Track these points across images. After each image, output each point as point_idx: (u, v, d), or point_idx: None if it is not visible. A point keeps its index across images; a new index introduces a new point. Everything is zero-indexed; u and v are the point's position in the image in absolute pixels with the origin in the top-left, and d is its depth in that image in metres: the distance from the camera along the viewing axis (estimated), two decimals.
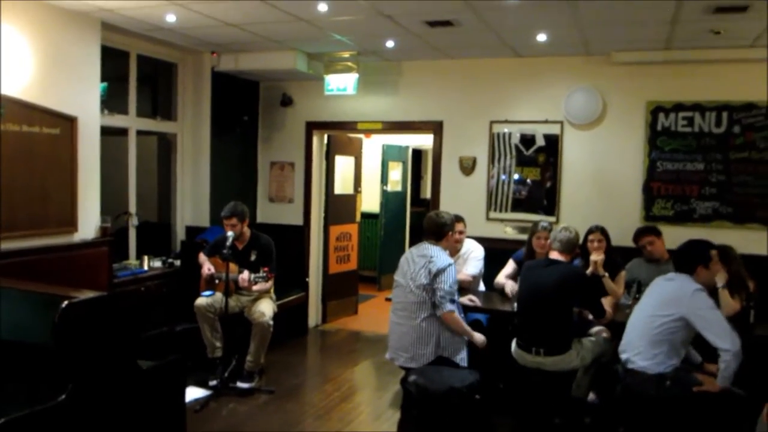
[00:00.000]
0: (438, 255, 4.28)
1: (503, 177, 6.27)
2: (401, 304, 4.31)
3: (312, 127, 7.04)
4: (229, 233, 5.08)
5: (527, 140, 6.17)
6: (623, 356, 3.79)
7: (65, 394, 3.19)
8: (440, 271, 4.18)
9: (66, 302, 3.23)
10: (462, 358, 4.21)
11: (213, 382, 5.05)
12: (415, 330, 4.18)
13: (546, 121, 6.09)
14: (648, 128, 5.80)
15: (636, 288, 4.81)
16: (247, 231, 5.34)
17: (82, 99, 4.92)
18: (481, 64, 6.28)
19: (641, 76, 5.80)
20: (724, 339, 3.50)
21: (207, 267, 5.24)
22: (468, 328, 4.29)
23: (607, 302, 4.35)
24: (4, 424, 2.91)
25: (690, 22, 4.66)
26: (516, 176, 6.23)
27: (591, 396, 4.40)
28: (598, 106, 5.90)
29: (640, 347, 3.70)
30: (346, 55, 6.17)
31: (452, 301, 4.19)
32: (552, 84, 6.07)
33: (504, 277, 5.13)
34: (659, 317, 3.66)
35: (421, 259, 4.28)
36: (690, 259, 3.78)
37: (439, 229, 4.38)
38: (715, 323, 3.55)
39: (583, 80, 5.95)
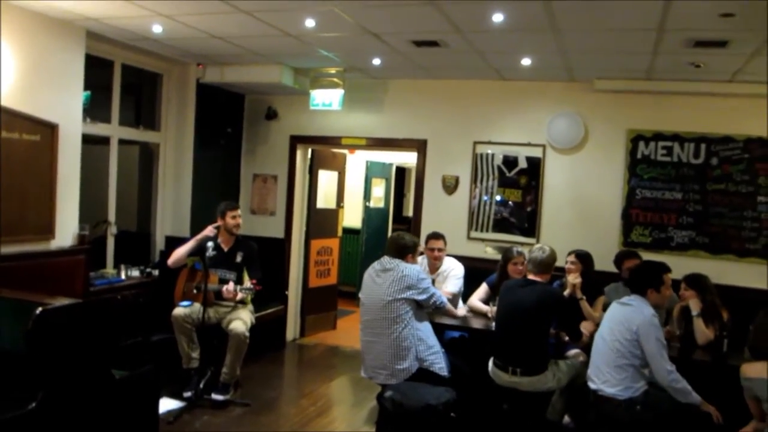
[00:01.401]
0: (407, 266, 4.34)
1: (485, 197, 6.32)
2: (372, 322, 4.29)
3: (296, 141, 7.06)
4: (209, 243, 5.08)
5: (510, 162, 6.23)
6: (592, 385, 3.82)
7: (36, 402, 3.16)
8: (419, 280, 4.26)
9: (40, 309, 3.22)
10: (441, 367, 4.23)
11: (187, 394, 4.99)
12: (391, 346, 4.17)
13: (528, 144, 6.16)
14: (628, 155, 5.89)
15: None
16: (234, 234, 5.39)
17: (64, 106, 4.90)
18: (466, 85, 6.35)
19: (622, 105, 5.90)
20: (657, 372, 3.59)
21: (210, 228, 5.24)
22: (451, 307, 4.65)
23: (585, 326, 4.38)
24: None
25: (671, 54, 4.75)
26: (498, 197, 6.28)
27: (566, 419, 4.42)
28: (580, 132, 5.98)
29: (606, 374, 3.74)
30: (333, 71, 6.22)
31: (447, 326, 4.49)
32: (535, 108, 6.15)
33: (477, 300, 5.15)
34: (619, 342, 3.71)
35: (387, 273, 4.30)
36: (642, 282, 3.85)
37: (400, 250, 4.43)
38: (656, 356, 3.61)
39: (565, 105, 6.04)
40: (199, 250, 5.12)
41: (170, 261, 5.27)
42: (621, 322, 3.76)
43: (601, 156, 5.99)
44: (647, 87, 5.71)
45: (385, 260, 4.40)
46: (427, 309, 4.37)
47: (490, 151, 6.30)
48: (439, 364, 4.22)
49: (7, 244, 4.45)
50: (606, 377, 3.74)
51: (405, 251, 4.44)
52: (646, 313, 3.68)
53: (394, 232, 9.80)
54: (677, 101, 5.75)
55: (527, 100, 6.19)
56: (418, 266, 4.50)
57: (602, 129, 5.98)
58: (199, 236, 5.25)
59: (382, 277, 4.30)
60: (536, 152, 6.15)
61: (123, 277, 5.66)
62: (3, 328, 3.34)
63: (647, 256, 5.38)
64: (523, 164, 6.21)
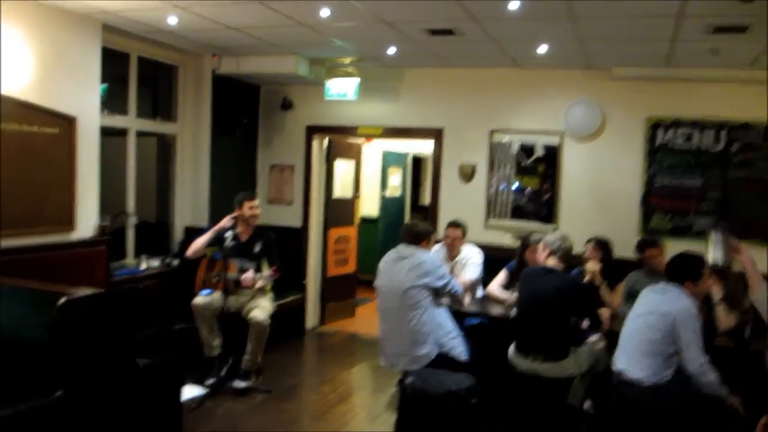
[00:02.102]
0: (423, 253, 4.36)
1: (502, 185, 6.30)
2: (391, 310, 4.31)
3: (312, 131, 7.07)
4: (228, 233, 5.11)
5: (527, 150, 6.21)
6: (617, 367, 3.81)
7: (61, 391, 3.20)
8: (434, 267, 4.28)
9: (63, 299, 3.26)
10: (461, 351, 4.25)
11: (210, 381, 5.06)
12: (410, 332, 4.19)
13: (546, 132, 6.13)
14: (647, 143, 5.84)
15: (635, 299, 4.83)
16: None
17: (81, 99, 4.94)
18: (482, 74, 6.32)
19: (641, 92, 5.84)
20: (690, 361, 3.55)
21: (227, 219, 5.29)
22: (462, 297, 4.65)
23: (604, 312, 4.37)
24: (1, 420, 2.93)
25: (690, 41, 4.70)
26: (515, 185, 6.26)
27: (587, 404, 4.41)
28: (598, 120, 5.94)
29: (634, 359, 3.72)
30: (348, 60, 6.21)
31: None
32: (552, 95, 6.11)
33: (496, 287, 5.15)
34: (650, 329, 3.68)
35: (405, 261, 4.32)
36: (682, 273, 3.80)
37: (415, 237, 4.47)
38: (692, 345, 3.58)
39: (583, 93, 5.99)
40: (218, 240, 5.17)
41: (189, 252, 5.32)
42: (655, 310, 3.72)
43: (619, 143, 5.95)
44: (666, 74, 5.65)
45: (401, 248, 4.42)
46: (443, 296, 4.37)
47: (507, 139, 6.27)
48: (459, 349, 4.25)
49: (28, 235, 4.51)
50: (633, 361, 3.71)
51: (420, 238, 4.47)
52: (685, 303, 3.64)
53: (409, 221, 9.87)
54: (696, 88, 5.68)
55: (544, 88, 6.15)
56: (434, 253, 4.52)
57: (620, 116, 5.93)
58: (216, 227, 5.30)
59: (399, 265, 4.32)
60: (554, 140, 6.12)
61: (143, 267, 5.72)
62: (26, 318, 3.39)
63: (667, 242, 5.35)
64: (540, 152, 6.18)
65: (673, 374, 3.66)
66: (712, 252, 2.68)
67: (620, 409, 3.78)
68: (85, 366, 3.39)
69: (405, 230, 4.56)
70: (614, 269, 4.86)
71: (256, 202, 5.37)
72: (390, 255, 4.48)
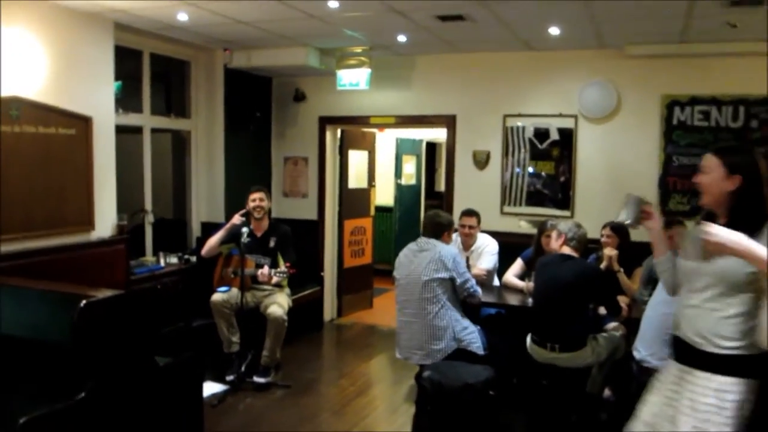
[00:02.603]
0: (443, 247, 4.33)
1: (517, 171, 6.26)
2: (409, 302, 4.30)
3: (325, 122, 7.06)
4: (244, 230, 5.14)
5: (541, 134, 6.15)
6: (638, 355, 3.78)
7: (84, 392, 3.24)
8: (455, 264, 4.23)
9: (84, 301, 3.29)
10: (478, 346, 4.23)
11: (230, 377, 5.10)
12: (428, 327, 4.18)
13: (560, 115, 6.07)
14: (663, 122, 5.76)
15: (653, 285, 4.79)
16: (266, 218, 5.43)
17: (96, 99, 4.97)
18: (494, 58, 6.26)
19: (656, 70, 5.75)
20: None
21: (237, 216, 5.27)
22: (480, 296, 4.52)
23: (622, 299, 4.34)
24: (26, 423, 2.97)
25: (705, 16, 4.61)
26: (530, 170, 6.22)
27: (606, 392, 4.39)
28: (613, 100, 5.87)
29: (655, 346, 3.68)
30: (358, 50, 6.17)
31: (483, 303, 4.46)
32: (566, 78, 6.04)
33: (512, 276, 5.13)
34: (670, 316, 3.63)
35: (425, 253, 4.29)
36: None
37: (436, 229, 4.44)
38: None
39: (597, 74, 5.92)
40: (234, 237, 5.18)
41: (203, 251, 5.36)
42: None
43: (635, 124, 5.87)
44: (681, 50, 5.55)
45: (422, 241, 4.40)
46: (460, 293, 4.34)
47: (520, 124, 6.22)
48: (476, 344, 4.23)
49: (50, 237, 4.56)
50: (653, 349, 3.68)
51: (441, 230, 4.44)
52: None
53: (429, 209, 9.83)
54: (713, 64, 5.58)
55: (557, 71, 6.08)
56: (455, 249, 4.48)
57: (635, 96, 5.86)
58: (227, 225, 5.31)
59: (419, 258, 4.30)
60: (568, 123, 6.06)
61: (162, 264, 5.76)
62: (50, 320, 3.43)
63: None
64: (554, 136, 6.12)
65: None
66: (624, 212, 2.64)
67: (641, 396, 3.75)
68: (108, 366, 3.43)
69: (427, 222, 4.53)
70: (632, 254, 4.82)
71: (258, 195, 5.35)
72: (410, 247, 4.47)
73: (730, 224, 2.31)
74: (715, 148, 2.56)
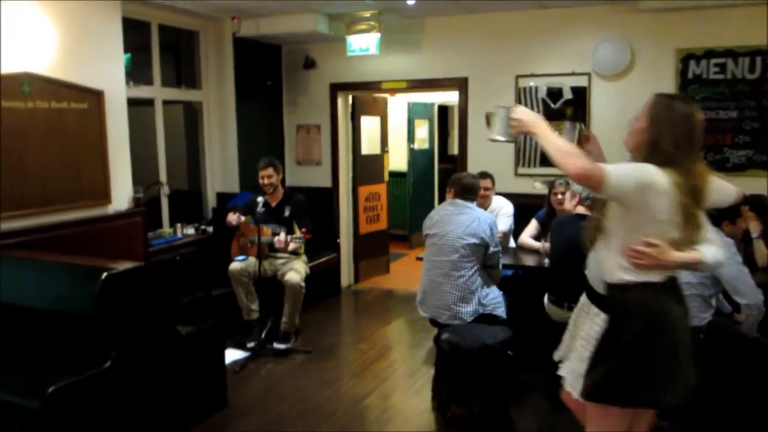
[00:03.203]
0: (482, 213, 4.25)
1: None
2: (441, 263, 4.19)
3: (336, 88, 7.03)
4: (259, 199, 5.16)
5: (554, 93, 6.09)
6: None
7: (109, 361, 3.32)
8: (492, 234, 4.17)
9: (106, 274, 3.34)
10: (503, 310, 4.23)
11: (251, 344, 5.18)
12: (458, 288, 4.12)
13: (573, 74, 5.99)
14: (678, 77, 5.68)
15: None
16: (280, 188, 5.45)
17: (107, 73, 4.96)
18: (505, 18, 6.17)
19: (670, 23, 5.64)
20: (745, 294, 3.50)
21: (234, 217, 5.26)
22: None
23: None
24: (54, 391, 3.05)
25: None
26: None
27: None
28: (627, 56, 5.78)
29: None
30: (367, 14, 6.10)
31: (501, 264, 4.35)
32: (578, 35, 5.95)
33: (528, 237, 5.13)
34: (688, 273, 3.63)
35: (463, 216, 4.18)
36: (718, 213, 3.72)
37: (469, 190, 4.31)
38: (739, 279, 3.52)
39: (610, 30, 5.82)
40: (250, 208, 5.21)
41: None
42: None
43: (649, 79, 5.78)
44: (696, 3, 5.42)
45: (459, 203, 4.26)
46: (489, 262, 4.25)
47: (533, 84, 6.15)
48: (501, 308, 4.21)
49: (67, 211, 4.61)
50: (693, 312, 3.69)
51: (473, 191, 4.35)
52: (724, 243, 3.58)
53: (443, 173, 9.84)
54: (729, 15, 5.45)
55: (569, 28, 5.98)
56: (492, 216, 4.41)
57: (650, 51, 5.76)
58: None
59: (457, 220, 4.18)
60: (581, 81, 5.98)
61: (179, 235, 5.82)
62: (73, 293, 3.50)
63: None
64: (568, 95, 6.05)
65: (711, 316, 3.64)
66: (498, 127, 2.59)
67: None
68: (131, 336, 3.50)
69: (457, 183, 4.35)
70: None
71: (268, 171, 5.30)
72: (447, 207, 4.31)
73: None
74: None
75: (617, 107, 5.91)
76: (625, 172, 2.27)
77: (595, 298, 2.60)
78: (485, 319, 4.13)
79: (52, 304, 3.55)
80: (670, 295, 2.40)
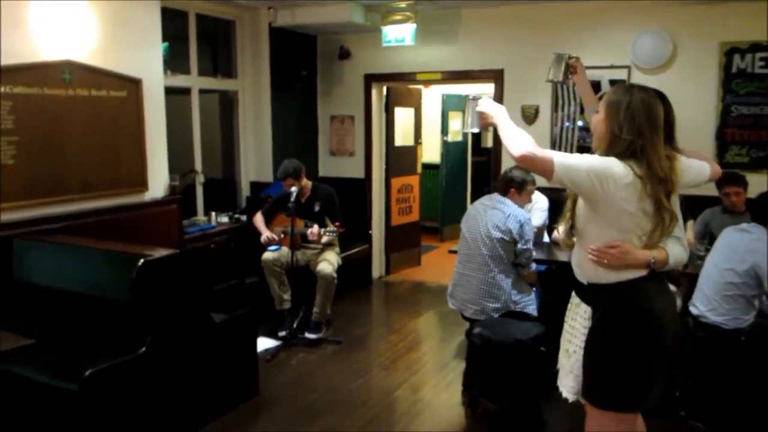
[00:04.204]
0: (515, 209, 4.16)
1: (567, 125, 6.12)
2: (471, 256, 4.17)
3: (371, 79, 7.01)
4: (293, 188, 5.17)
5: (592, 86, 5.96)
6: (695, 310, 3.71)
7: (145, 347, 3.37)
8: (522, 230, 4.08)
9: (142, 260, 3.39)
10: (533, 308, 4.17)
11: (282, 333, 5.22)
12: (487, 284, 4.08)
13: (612, 67, 5.88)
14: (722, 71, 5.53)
15: (709, 239, 4.67)
16: (307, 183, 5.44)
17: (145, 61, 5.01)
18: (543, 9, 6.08)
19: (714, 15, 5.50)
20: None
21: (265, 236, 5.30)
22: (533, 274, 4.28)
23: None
24: (91, 375, 3.11)
25: None
26: (580, 123, 6.07)
27: None
28: (668, 49, 5.65)
29: (713, 302, 3.61)
30: (403, 5, 6.07)
31: (534, 261, 4.20)
32: (618, 27, 5.84)
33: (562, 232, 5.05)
34: (733, 271, 3.55)
35: (495, 211, 4.14)
36: (766, 212, 3.62)
37: (504, 185, 4.27)
38: None
39: (651, 21, 5.69)
40: (281, 203, 5.24)
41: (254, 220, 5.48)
42: (738, 250, 3.57)
43: (691, 73, 5.65)
44: None
45: (495, 197, 4.24)
46: (518, 260, 4.17)
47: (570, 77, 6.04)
48: (531, 306, 4.15)
49: (105, 197, 4.68)
50: (713, 305, 3.61)
51: (508, 186, 4.27)
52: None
53: (476, 166, 9.77)
54: None
55: (609, 19, 5.87)
56: (526, 214, 4.30)
57: (692, 44, 5.62)
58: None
59: (489, 214, 4.14)
60: (620, 74, 5.87)
61: (213, 223, 5.88)
62: (111, 278, 3.55)
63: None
64: (606, 88, 5.93)
65: (754, 317, 3.55)
66: (469, 119, 2.62)
67: (697, 353, 3.70)
68: (166, 322, 3.54)
69: (500, 178, 4.38)
70: (685, 207, 4.68)
71: (287, 182, 5.24)
72: (482, 201, 4.30)
73: None
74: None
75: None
76: (577, 160, 2.26)
77: (580, 292, 2.60)
78: (514, 316, 4.08)
79: (90, 289, 3.61)
80: (650, 289, 2.34)
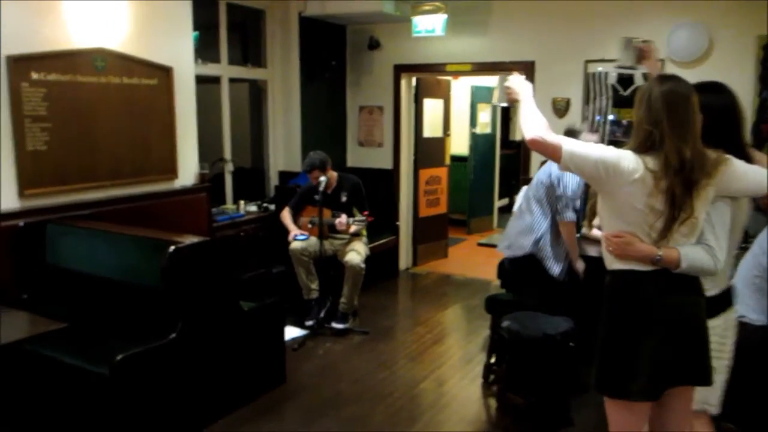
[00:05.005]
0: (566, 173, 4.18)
1: (598, 118, 6.03)
2: (522, 205, 4.39)
3: (400, 70, 6.98)
4: (322, 178, 5.16)
5: (625, 80, 5.87)
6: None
7: (175, 333, 3.39)
8: (562, 178, 4.14)
9: (173, 247, 3.41)
10: (551, 267, 4.16)
11: (309, 323, 5.24)
12: (524, 222, 4.23)
13: None
14: (759, 65, 5.40)
15: (743, 238, 4.55)
16: (333, 174, 5.42)
17: (176, 50, 5.04)
18: (575, 1, 5.98)
19: (752, 8, 5.35)
20: None
21: (293, 234, 5.31)
22: (576, 249, 4.25)
23: None
24: (122, 360, 3.14)
25: None
26: (611, 117, 5.98)
27: None
28: (704, 42, 5.53)
29: (743, 296, 3.52)
30: None
31: (574, 210, 4.20)
32: (652, 19, 5.72)
33: (594, 228, 5.00)
34: (759, 266, 3.46)
35: (546, 165, 4.28)
36: None
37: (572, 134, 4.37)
38: None
39: (686, 14, 5.57)
40: (309, 196, 5.24)
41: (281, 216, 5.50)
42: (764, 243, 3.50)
43: (727, 67, 5.52)
44: None
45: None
46: (557, 204, 4.19)
47: (602, 69, 5.96)
48: (551, 261, 4.16)
49: (136, 184, 4.72)
50: (742, 299, 3.53)
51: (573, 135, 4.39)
52: None
53: (504, 159, 9.70)
54: None
55: (643, 11, 5.75)
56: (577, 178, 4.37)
57: (729, 37, 5.49)
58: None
59: (542, 168, 4.32)
60: None
61: (242, 212, 5.91)
62: (141, 264, 3.59)
63: None
64: (639, 81, 5.80)
65: None
66: (498, 93, 2.72)
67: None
68: (196, 309, 3.57)
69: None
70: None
71: (313, 174, 5.21)
72: None
73: None
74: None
75: None
76: (587, 149, 2.30)
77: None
78: (534, 264, 4.13)
79: (121, 274, 3.65)
80: (649, 283, 2.31)
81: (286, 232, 5.39)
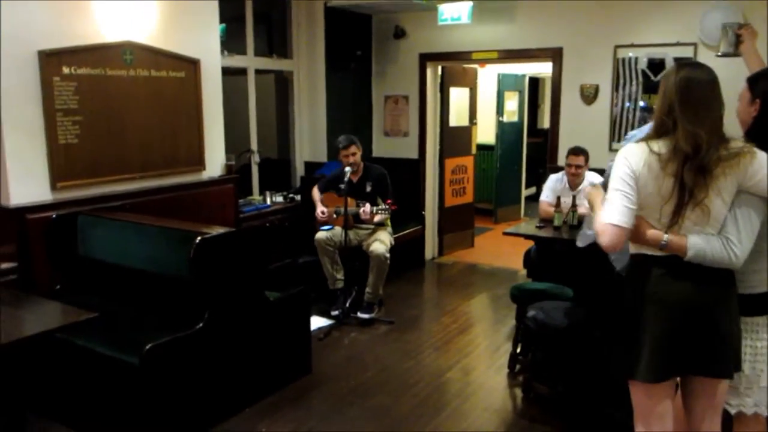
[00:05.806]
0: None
1: (628, 105, 5.94)
2: None
3: (425, 59, 6.94)
4: (347, 168, 5.16)
5: (655, 65, 5.77)
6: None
7: (202, 323, 3.44)
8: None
9: (200, 238, 3.45)
10: (618, 261, 4.11)
11: (335, 312, 5.27)
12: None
13: (677, 44, 5.66)
14: None
15: None
16: (360, 164, 5.43)
17: (203, 42, 5.08)
18: None
19: None
20: None
21: (320, 210, 5.36)
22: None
23: None
24: (151, 349, 3.20)
25: None
26: (642, 104, 5.88)
27: None
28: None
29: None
30: None
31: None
32: (685, 2, 5.60)
33: None
34: None
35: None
36: None
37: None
38: None
39: None
40: (338, 179, 5.26)
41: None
42: None
43: (763, 52, 5.37)
44: None
45: None
46: None
47: (632, 55, 5.86)
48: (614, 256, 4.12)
49: (164, 176, 4.79)
50: None
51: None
52: None
53: (531, 147, 9.61)
54: None
55: None
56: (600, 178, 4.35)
57: (766, 19, 5.35)
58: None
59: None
60: (686, 52, 5.64)
61: (268, 203, 5.95)
62: (170, 256, 3.64)
63: None
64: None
65: None
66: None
67: None
68: (223, 299, 3.62)
69: None
70: None
71: (352, 149, 5.23)
72: None
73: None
74: (747, 77, 2.50)
75: (727, 82, 5.40)
76: (610, 200, 2.29)
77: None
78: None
79: (150, 265, 3.71)
80: (653, 267, 2.31)
81: (313, 210, 5.46)
